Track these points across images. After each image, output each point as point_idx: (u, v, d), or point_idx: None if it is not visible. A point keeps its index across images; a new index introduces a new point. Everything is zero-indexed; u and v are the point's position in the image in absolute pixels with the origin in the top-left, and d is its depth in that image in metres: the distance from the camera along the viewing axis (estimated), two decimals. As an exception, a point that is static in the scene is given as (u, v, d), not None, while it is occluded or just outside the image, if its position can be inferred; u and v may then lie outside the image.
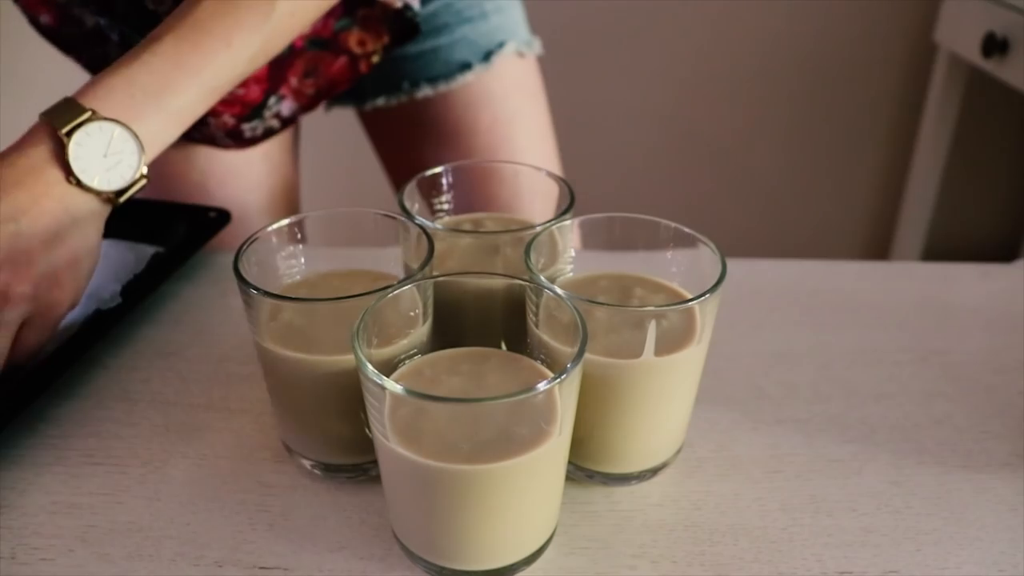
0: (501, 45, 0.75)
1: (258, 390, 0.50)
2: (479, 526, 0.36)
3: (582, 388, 0.37)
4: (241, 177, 0.76)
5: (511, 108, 0.77)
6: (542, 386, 0.33)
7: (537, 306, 0.39)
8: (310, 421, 0.43)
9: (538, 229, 0.44)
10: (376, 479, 0.43)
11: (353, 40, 0.69)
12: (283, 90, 0.70)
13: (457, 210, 0.52)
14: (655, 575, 0.39)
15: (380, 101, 0.77)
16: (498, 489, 0.35)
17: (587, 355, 0.36)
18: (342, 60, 0.69)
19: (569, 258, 0.46)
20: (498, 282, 0.40)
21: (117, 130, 0.48)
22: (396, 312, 0.39)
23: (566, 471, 0.39)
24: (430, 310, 0.40)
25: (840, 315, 0.59)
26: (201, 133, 0.72)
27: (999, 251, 1.64)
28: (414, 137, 0.79)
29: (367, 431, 0.41)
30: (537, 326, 0.39)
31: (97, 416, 0.48)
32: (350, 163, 1.28)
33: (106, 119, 0.48)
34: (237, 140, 0.73)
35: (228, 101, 0.68)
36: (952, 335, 0.57)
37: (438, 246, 0.43)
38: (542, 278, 0.40)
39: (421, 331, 0.40)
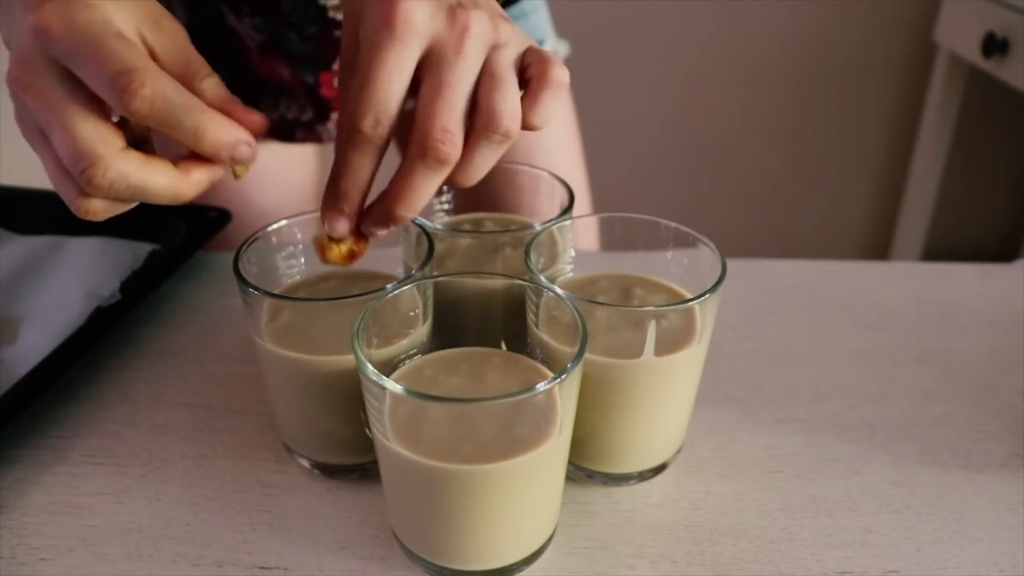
0: (541, 43, 0.76)
1: (258, 390, 0.50)
2: (479, 526, 0.36)
3: (582, 388, 0.37)
4: (277, 182, 0.76)
5: None
6: (542, 386, 0.33)
7: (537, 306, 0.39)
8: (310, 421, 0.43)
9: (538, 229, 0.44)
10: (376, 479, 0.43)
11: None
12: None
13: (457, 210, 0.52)
14: (655, 575, 0.39)
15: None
16: (498, 489, 0.35)
17: (587, 355, 0.36)
18: None
19: (569, 258, 0.46)
20: (498, 282, 0.40)
21: None
22: (396, 312, 0.39)
23: (566, 471, 0.39)
24: (430, 310, 0.40)
25: (840, 315, 0.59)
26: (315, 132, 0.71)
27: (999, 251, 1.64)
28: None
29: (367, 431, 0.41)
30: (537, 326, 0.39)
31: (97, 416, 0.48)
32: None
33: None
34: None
35: None
36: (952, 335, 0.57)
37: (438, 246, 0.43)
38: (542, 278, 0.40)
39: (421, 331, 0.40)
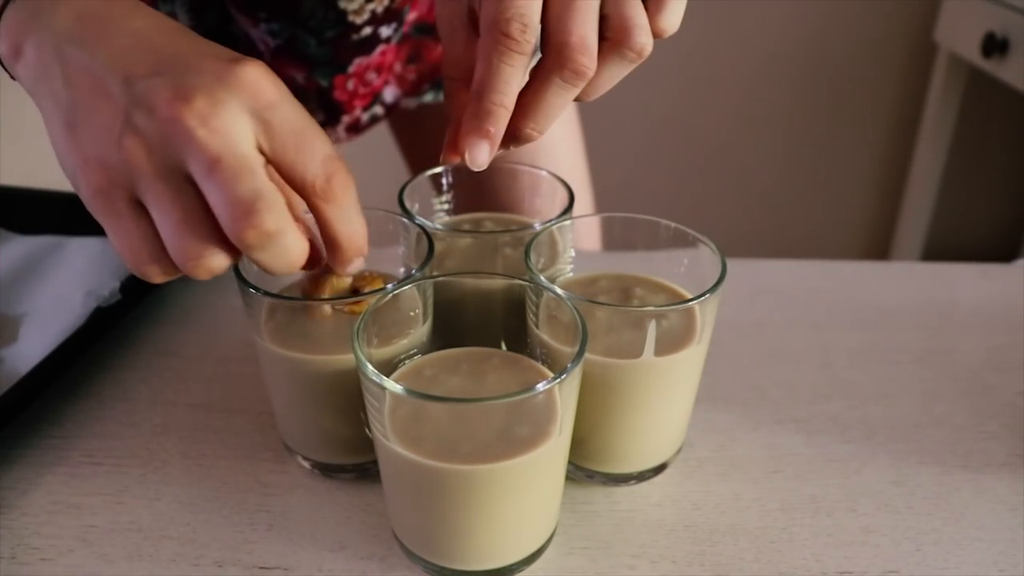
0: None
1: (258, 390, 0.50)
2: (479, 526, 0.36)
3: (582, 388, 0.37)
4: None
5: None
6: (542, 386, 0.33)
7: (537, 306, 0.39)
8: (310, 421, 0.43)
9: (538, 229, 0.44)
10: (376, 479, 0.43)
11: None
12: (388, 76, 0.70)
13: (457, 210, 0.52)
14: (655, 575, 0.39)
15: (428, 97, 0.76)
16: (498, 489, 0.35)
17: (587, 355, 0.36)
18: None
19: (569, 258, 0.46)
20: (498, 282, 0.40)
21: None
22: (396, 312, 0.39)
23: (566, 471, 0.39)
24: (430, 310, 0.40)
25: (840, 315, 0.59)
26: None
27: (999, 251, 1.64)
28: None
29: (367, 431, 0.41)
30: (537, 326, 0.39)
31: (97, 416, 0.48)
32: (349, 162, 1.28)
33: None
34: (355, 132, 0.73)
35: (362, 94, 0.68)
36: (952, 335, 0.57)
37: (438, 246, 0.43)
38: (542, 278, 0.40)
39: (421, 331, 0.40)
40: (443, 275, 0.40)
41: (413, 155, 0.85)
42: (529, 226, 0.45)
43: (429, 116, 0.78)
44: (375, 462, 0.39)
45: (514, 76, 0.34)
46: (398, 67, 0.70)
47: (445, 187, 0.51)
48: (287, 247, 0.32)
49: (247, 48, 0.67)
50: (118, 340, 0.54)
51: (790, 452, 0.47)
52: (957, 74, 1.45)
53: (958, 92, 1.46)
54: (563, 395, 0.35)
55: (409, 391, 0.33)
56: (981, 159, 1.56)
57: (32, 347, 0.49)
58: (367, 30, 0.63)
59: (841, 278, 0.63)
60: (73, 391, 0.50)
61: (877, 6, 1.50)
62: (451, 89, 0.39)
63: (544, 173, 0.50)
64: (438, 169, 0.51)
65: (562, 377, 0.34)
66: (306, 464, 0.44)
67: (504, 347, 0.41)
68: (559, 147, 0.76)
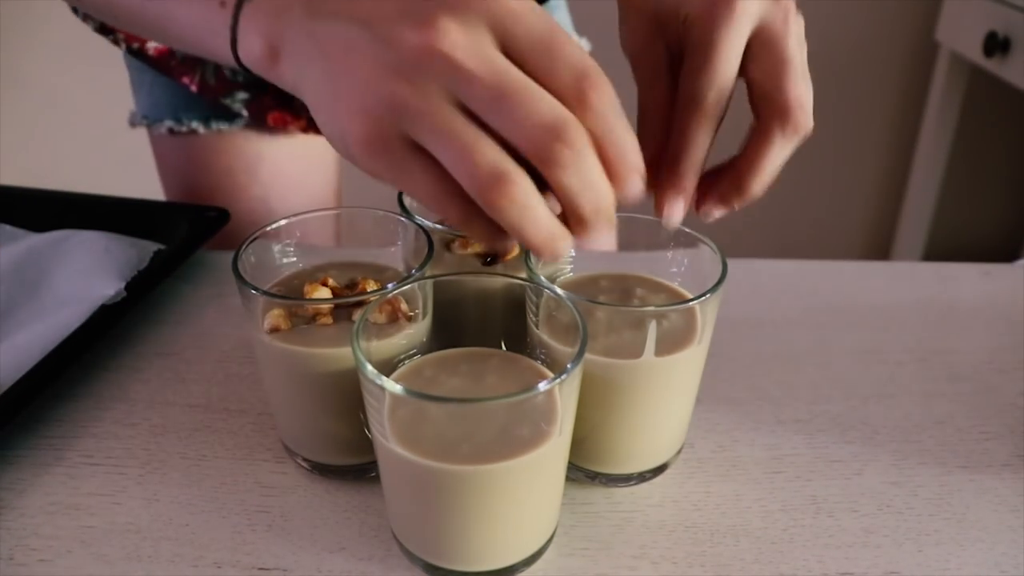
0: None
1: (258, 390, 0.50)
2: (479, 527, 0.36)
3: (582, 388, 0.36)
4: (298, 192, 0.76)
5: None
6: (542, 386, 0.33)
7: (537, 306, 0.39)
8: (309, 421, 0.42)
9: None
10: (376, 479, 0.43)
11: None
12: None
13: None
14: (655, 576, 0.39)
15: None
16: (498, 489, 0.35)
17: (587, 355, 0.36)
18: None
19: (569, 258, 0.46)
20: (498, 282, 0.40)
21: None
22: (395, 312, 0.39)
23: (566, 471, 0.39)
24: (430, 309, 0.40)
25: (840, 315, 0.59)
26: None
27: (1000, 251, 1.64)
28: None
29: (367, 431, 0.41)
30: (537, 326, 0.39)
31: (96, 417, 0.48)
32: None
33: None
34: None
35: None
36: (953, 335, 0.57)
37: (438, 245, 0.43)
38: (542, 278, 0.39)
39: (421, 331, 0.40)
40: (443, 275, 0.40)
41: None
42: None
43: None
44: (375, 463, 0.39)
45: (705, 141, 0.37)
46: None
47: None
48: (591, 167, 0.30)
49: None
50: (117, 340, 0.54)
51: (791, 452, 0.47)
52: (959, 73, 1.45)
53: (960, 91, 1.46)
54: (563, 395, 0.35)
55: (409, 391, 0.33)
56: (983, 158, 1.56)
57: (32, 345, 0.49)
58: None
59: (842, 278, 0.63)
60: (71, 391, 0.50)
61: (878, 5, 1.50)
62: (643, 134, 0.39)
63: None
64: None
65: (562, 377, 0.34)
66: (305, 465, 0.44)
67: (504, 347, 0.41)
68: None
